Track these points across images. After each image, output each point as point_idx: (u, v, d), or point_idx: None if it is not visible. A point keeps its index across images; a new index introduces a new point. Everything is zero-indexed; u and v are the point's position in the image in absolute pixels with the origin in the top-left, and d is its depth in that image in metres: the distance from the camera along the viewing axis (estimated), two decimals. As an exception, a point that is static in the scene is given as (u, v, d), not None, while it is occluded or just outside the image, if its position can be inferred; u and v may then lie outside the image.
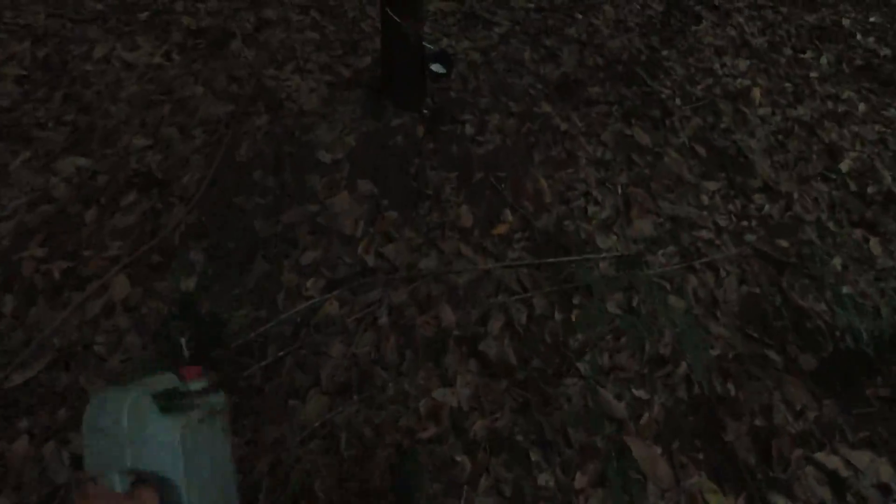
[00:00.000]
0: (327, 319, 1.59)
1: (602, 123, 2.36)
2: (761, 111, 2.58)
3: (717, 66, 2.84)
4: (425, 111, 2.25)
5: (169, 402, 0.67)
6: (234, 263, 1.71)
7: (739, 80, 2.76)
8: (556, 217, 1.96)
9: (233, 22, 2.58)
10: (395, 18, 1.94)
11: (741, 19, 3.27)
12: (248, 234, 1.78)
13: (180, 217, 1.78)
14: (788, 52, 3.04)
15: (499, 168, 2.10)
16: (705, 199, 2.12)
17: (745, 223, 2.06)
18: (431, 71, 2.09)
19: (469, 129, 2.23)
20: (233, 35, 2.50)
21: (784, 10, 3.43)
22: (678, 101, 2.55)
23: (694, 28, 3.11)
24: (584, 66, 2.67)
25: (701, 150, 2.32)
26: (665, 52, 2.86)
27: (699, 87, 2.67)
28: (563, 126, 2.30)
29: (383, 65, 2.19)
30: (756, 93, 2.67)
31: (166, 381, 0.71)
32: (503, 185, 2.04)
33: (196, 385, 0.73)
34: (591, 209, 2.01)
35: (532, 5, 3.06)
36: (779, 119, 2.56)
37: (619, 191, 2.09)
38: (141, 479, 0.63)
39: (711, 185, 2.18)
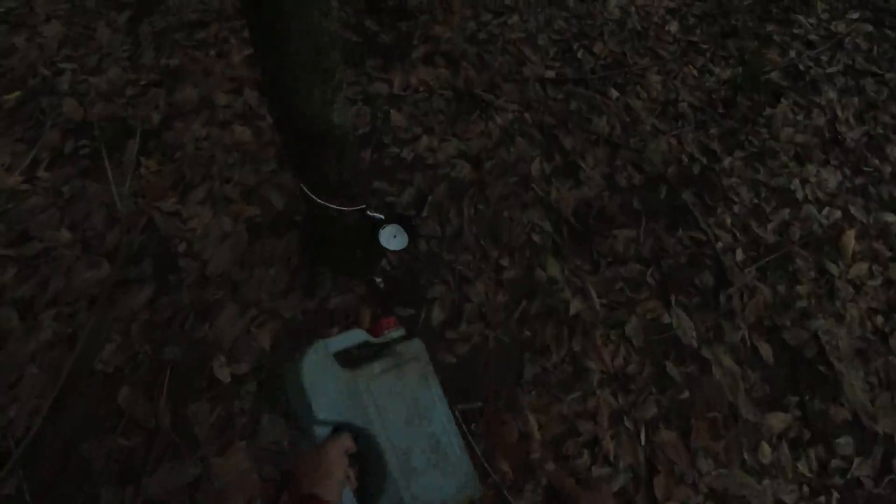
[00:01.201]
0: None
1: (630, 302, 1.67)
2: (854, 271, 1.85)
3: (796, 183, 2.06)
4: (378, 281, 1.59)
5: (349, 356, 0.75)
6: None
7: (826, 212, 2.00)
8: (543, 489, 1.34)
9: (135, 108, 1.89)
10: (315, 199, 1.26)
11: (832, 94, 2.43)
12: (86, 525, 1.21)
13: (-11, 493, 1.21)
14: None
15: (471, 391, 1.46)
16: (766, 453, 1.46)
17: (821, 500, 1.41)
18: (382, 245, 1.42)
19: (437, 315, 1.57)
20: (131, 133, 1.82)
21: (891, 77, 2.56)
22: (739, 255, 1.82)
23: (768, 112, 2.30)
24: (614, 188, 1.94)
25: (766, 351, 1.63)
26: (727, 161, 2.09)
27: (770, 224, 1.93)
28: (575, 306, 1.62)
29: (313, 231, 1.52)
30: (848, 239, 1.92)
31: (354, 336, 0.79)
32: (473, 426, 1.41)
33: (387, 336, 0.83)
34: (598, 472, 1.38)
35: (552, 74, 2.26)
36: (879, 285, 1.83)
37: (643, 437, 1.44)
38: (338, 429, 0.69)
39: (778, 422, 1.52)
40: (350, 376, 0.72)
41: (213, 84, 1.98)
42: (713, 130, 2.20)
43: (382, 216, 1.39)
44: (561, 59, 2.36)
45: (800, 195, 2.05)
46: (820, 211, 2.01)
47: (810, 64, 2.56)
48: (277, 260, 1.60)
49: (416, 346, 0.82)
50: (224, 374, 1.41)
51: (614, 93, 2.26)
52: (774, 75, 2.46)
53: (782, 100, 2.37)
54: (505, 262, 1.70)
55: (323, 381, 0.71)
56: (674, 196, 1.95)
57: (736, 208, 1.95)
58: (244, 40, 2.15)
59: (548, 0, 2.61)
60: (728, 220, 1.91)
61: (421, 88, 2.11)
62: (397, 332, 0.85)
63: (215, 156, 1.80)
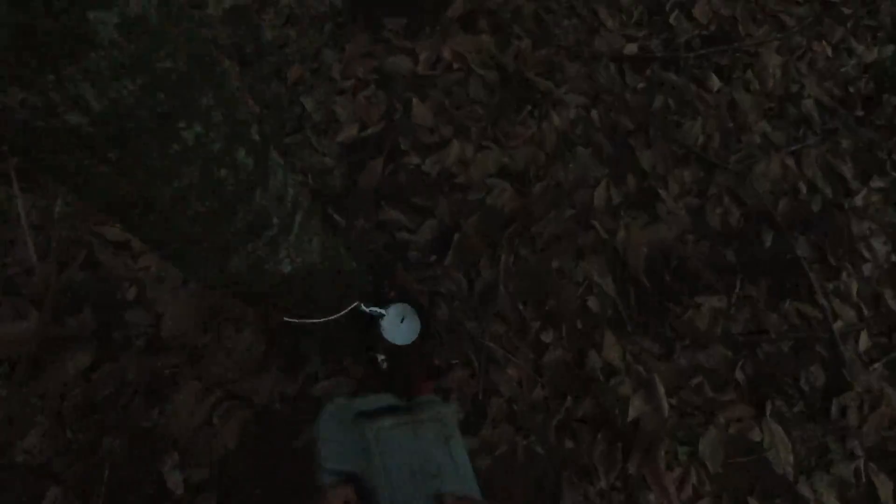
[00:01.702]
0: None
1: (709, 405, 1.27)
2: None
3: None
4: (381, 359, 1.21)
5: (368, 412, 0.75)
6: None
7: None
8: None
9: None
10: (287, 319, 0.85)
11: None
12: None
13: None
14: None
15: (491, 524, 1.13)
16: None
17: None
18: (387, 342, 1.02)
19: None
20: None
21: None
22: (864, 342, 1.37)
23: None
24: (702, 229, 1.45)
25: (886, 491, 1.24)
26: (861, 195, 1.55)
27: (909, 295, 1.44)
28: (635, 407, 1.23)
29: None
30: None
31: (382, 399, 0.80)
32: (490, 573, 1.09)
33: (424, 399, 0.84)
34: None
35: (634, 48, 1.67)
36: None
37: None
38: (345, 478, 0.70)
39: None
40: (360, 427, 0.73)
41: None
42: (845, 144, 1.63)
43: (383, 311, 0.98)
44: (647, 26, 1.74)
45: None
46: (979, 275, 1.49)
47: None
48: (252, 318, 1.23)
49: (445, 409, 0.81)
50: (176, 482, 1.10)
51: (716, 81, 1.67)
52: (938, 60, 1.80)
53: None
54: (548, 337, 1.29)
55: (336, 431, 0.74)
56: (782, 245, 1.46)
57: (867, 269, 1.46)
58: None
59: (638, -69, 1.91)
60: (854, 288, 1.43)
61: (456, 66, 1.57)
62: (430, 397, 0.86)
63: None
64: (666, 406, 1.25)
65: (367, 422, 0.73)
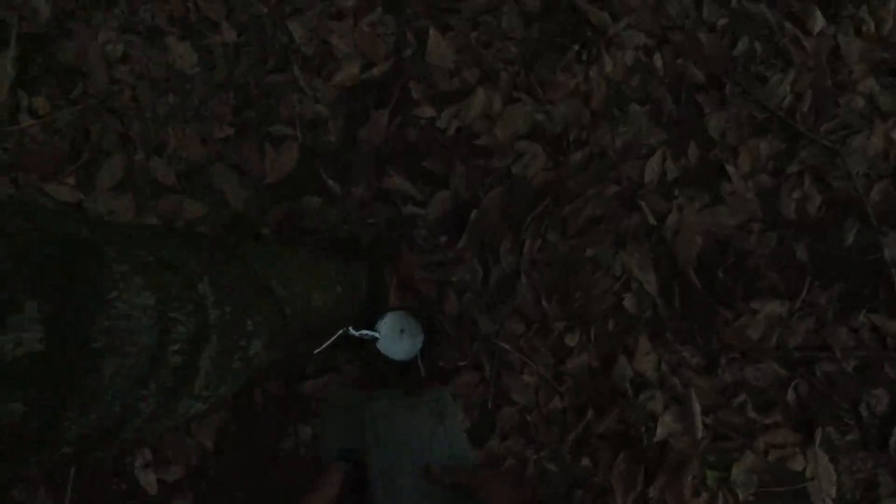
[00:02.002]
0: None
1: (750, 427, 1.12)
2: None
3: None
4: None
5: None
6: None
7: None
8: None
9: (9, -10, 1.15)
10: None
11: None
12: None
13: None
14: None
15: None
16: None
17: None
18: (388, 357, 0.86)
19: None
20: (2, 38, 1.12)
21: None
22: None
23: None
24: (772, 217, 1.21)
25: (931, 527, 1.12)
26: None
27: None
28: (665, 425, 1.10)
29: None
30: None
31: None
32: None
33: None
34: None
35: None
36: None
37: None
38: (344, 455, 0.71)
39: None
40: (361, 408, 0.75)
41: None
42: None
43: (377, 333, 0.80)
44: (741, -64, 1.35)
45: None
46: None
47: None
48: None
49: (441, 392, 0.83)
50: (149, 480, 1.01)
51: (819, 19, 1.31)
52: None
53: None
54: (573, 339, 1.12)
55: (340, 412, 0.79)
56: (868, 242, 1.22)
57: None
58: None
59: None
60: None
61: None
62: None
63: (139, 98, 1.12)
64: (700, 426, 1.10)
65: (367, 402, 0.75)
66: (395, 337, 0.87)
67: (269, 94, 1.15)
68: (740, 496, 1.10)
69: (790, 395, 1.14)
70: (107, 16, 1.13)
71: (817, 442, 1.12)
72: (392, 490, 0.66)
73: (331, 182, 1.13)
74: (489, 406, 1.09)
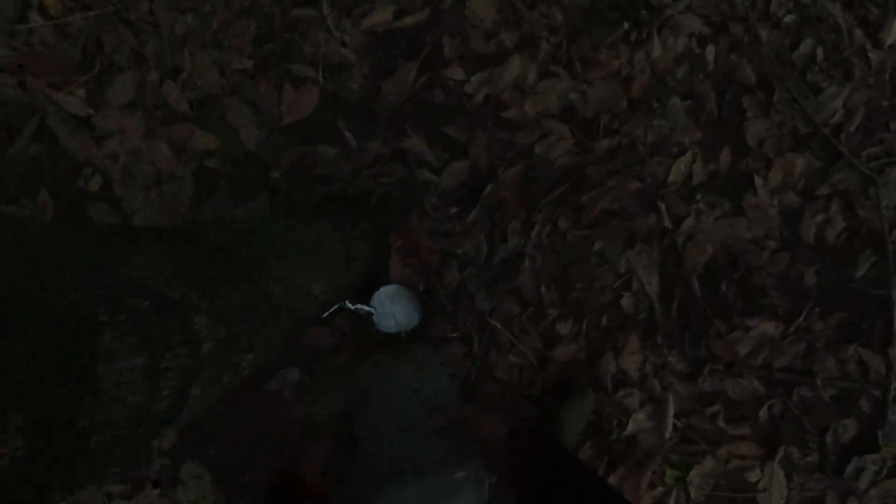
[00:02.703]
0: None
1: (717, 435, 1.20)
2: None
3: None
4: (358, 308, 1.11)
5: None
6: None
7: None
8: None
9: None
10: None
11: None
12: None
13: None
14: None
15: None
16: None
17: None
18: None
19: (440, 388, 1.13)
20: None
21: None
22: (919, 405, 1.23)
23: None
24: (790, 237, 1.22)
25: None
26: None
27: None
28: (636, 422, 1.17)
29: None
30: None
31: None
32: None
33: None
34: None
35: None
36: None
37: None
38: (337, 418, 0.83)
39: None
40: (350, 371, 0.84)
41: None
42: None
43: (372, 309, 0.84)
44: (833, -81, 1.24)
45: None
46: None
47: None
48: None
49: (420, 346, 0.94)
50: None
51: (895, 31, 1.24)
52: None
53: None
54: (565, 328, 1.16)
55: (330, 378, 0.89)
56: (878, 278, 1.23)
57: (963, 324, 1.24)
58: None
59: None
60: (938, 345, 1.24)
61: None
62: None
63: (156, 13, 1.08)
64: (670, 427, 1.18)
65: (359, 364, 0.83)
66: (388, 310, 0.90)
67: (293, 28, 1.11)
68: (692, 495, 1.19)
69: (763, 413, 1.20)
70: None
71: (777, 458, 1.20)
72: (377, 435, 0.70)
73: (348, 133, 1.12)
74: (472, 378, 1.15)
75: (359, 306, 0.84)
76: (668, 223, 1.18)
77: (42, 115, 1.05)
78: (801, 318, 1.22)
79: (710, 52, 1.20)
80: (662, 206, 1.18)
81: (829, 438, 1.22)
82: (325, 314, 0.76)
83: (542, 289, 1.16)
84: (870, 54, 1.24)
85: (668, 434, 1.18)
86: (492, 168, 1.15)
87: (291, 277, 0.62)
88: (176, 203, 1.08)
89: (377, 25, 1.13)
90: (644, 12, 1.17)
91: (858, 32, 1.24)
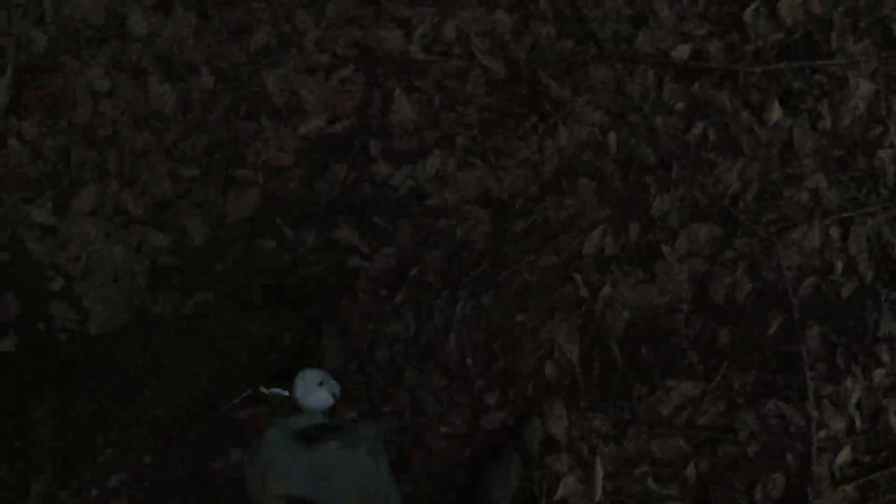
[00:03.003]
0: None
1: (646, 498, 1.25)
2: None
3: None
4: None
5: (310, 436, 0.86)
6: None
7: None
8: None
9: (11, 19, 1.29)
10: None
11: None
12: None
13: None
14: None
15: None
16: None
17: None
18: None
19: (377, 460, 1.21)
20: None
21: None
22: (844, 457, 1.29)
23: None
24: (701, 301, 1.32)
25: None
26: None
27: (918, 412, 1.33)
28: (565, 487, 1.23)
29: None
30: None
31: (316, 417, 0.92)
32: None
33: (346, 416, 1.00)
34: None
35: (686, 52, 1.40)
36: None
37: None
38: (290, 501, 0.79)
39: None
40: (308, 453, 0.82)
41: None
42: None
43: (286, 392, 0.94)
44: (714, 19, 1.44)
45: None
46: None
47: None
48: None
49: (372, 429, 0.95)
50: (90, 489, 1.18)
51: (777, 110, 1.40)
52: None
53: None
54: (492, 398, 1.25)
55: (282, 458, 0.82)
56: (789, 335, 1.32)
57: (878, 376, 1.33)
58: None
59: None
60: (855, 397, 1.31)
61: (457, 50, 1.35)
62: (352, 414, 1.05)
63: (120, 130, 1.27)
64: (600, 490, 1.24)
65: (313, 446, 0.82)
66: (312, 390, 1.00)
67: (238, 139, 1.28)
68: (626, 557, 1.23)
69: (690, 471, 1.26)
70: (97, 52, 1.27)
71: (708, 517, 1.25)
72: None
73: (286, 228, 1.27)
74: (404, 450, 1.23)
75: (273, 390, 0.94)
76: (584, 293, 1.30)
77: (13, 226, 1.21)
78: (719, 376, 1.30)
79: (612, 137, 1.36)
80: (578, 278, 1.30)
81: (758, 494, 1.27)
82: (235, 401, 0.85)
83: (469, 361, 1.26)
84: (757, 132, 1.40)
85: (598, 497, 1.23)
86: (417, 252, 1.28)
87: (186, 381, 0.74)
88: (130, 298, 1.21)
89: (311, 132, 1.30)
90: (549, 107, 1.35)
91: (745, 114, 1.41)
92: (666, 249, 1.33)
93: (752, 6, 1.45)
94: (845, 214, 1.38)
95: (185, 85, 1.28)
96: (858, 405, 1.32)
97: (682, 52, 1.41)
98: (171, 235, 1.25)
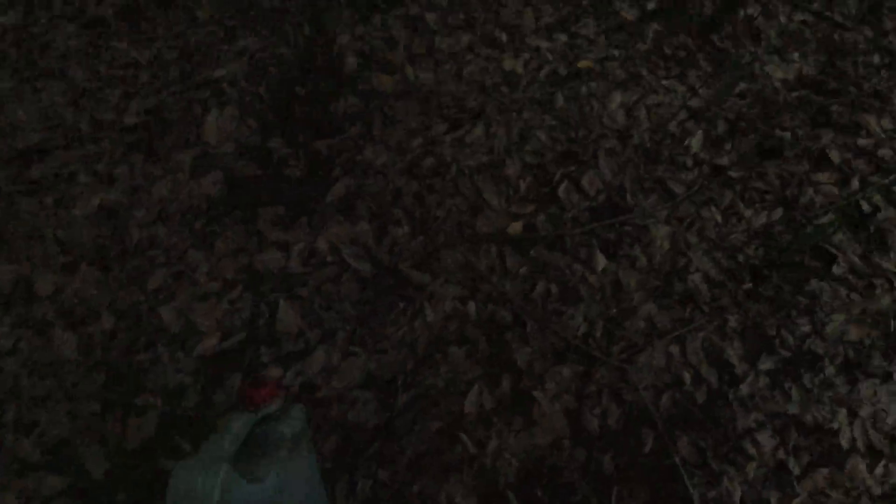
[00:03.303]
0: None
1: None
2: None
3: (842, 419, 1.57)
4: None
5: (252, 463, 0.86)
6: None
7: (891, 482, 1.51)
8: None
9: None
10: None
11: (908, 254, 1.89)
12: None
13: None
14: None
15: None
16: None
17: None
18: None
19: None
20: None
21: None
22: None
23: (814, 285, 1.78)
24: (579, 434, 1.48)
25: None
26: (747, 382, 1.60)
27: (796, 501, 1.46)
28: None
29: None
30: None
31: (243, 422, 0.90)
32: None
33: (270, 408, 0.97)
34: None
35: (518, 227, 1.76)
36: None
37: None
38: None
39: None
40: (255, 489, 0.81)
41: (37, 256, 1.55)
42: (732, 321, 1.70)
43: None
44: (535, 199, 1.85)
45: (845, 440, 1.56)
46: (872, 471, 1.52)
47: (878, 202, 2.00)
48: None
49: (301, 416, 0.97)
50: None
51: (601, 259, 1.76)
52: (827, 219, 1.92)
53: (837, 264, 1.84)
54: None
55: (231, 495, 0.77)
56: (663, 448, 1.49)
57: (751, 469, 1.48)
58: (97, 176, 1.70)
59: (527, 99, 2.07)
60: (738, 495, 1.44)
61: (329, 259, 1.64)
62: (277, 405, 0.98)
63: (20, 385, 1.39)
64: None
65: (262, 459, 0.87)
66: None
67: (137, 370, 1.43)
68: None
69: None
70: (2, 315, 1.44)
71: None
72: None
73: (184, 444, 1.36)
74: None
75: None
76: (473, 450, 1.43)
77: None
78: (613, 501, 1.41)
79: (472, 307, 1.63)
80: (464, 437, 1.44)
81: None
82: None
83: (376, 543, 1.31)
84: (590, 279, 1.73)
85: None
86: (314, 443, 1.39)
87: None
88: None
89: (206, 351, 1.48)
90: (413, 292, 1.62)
91: (577, 266, 1.75)
92: (538, 394, 1.53)
93: (563, 185, 1.89)
94: (678, 332, 1.66)
95: (87, 329, 1.46)
96: (743, 502, 1.44)
97: (516, 228, 1.78)
98: (70, 475, 1.31)
